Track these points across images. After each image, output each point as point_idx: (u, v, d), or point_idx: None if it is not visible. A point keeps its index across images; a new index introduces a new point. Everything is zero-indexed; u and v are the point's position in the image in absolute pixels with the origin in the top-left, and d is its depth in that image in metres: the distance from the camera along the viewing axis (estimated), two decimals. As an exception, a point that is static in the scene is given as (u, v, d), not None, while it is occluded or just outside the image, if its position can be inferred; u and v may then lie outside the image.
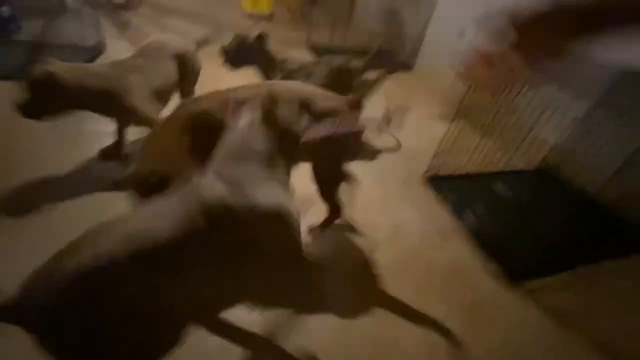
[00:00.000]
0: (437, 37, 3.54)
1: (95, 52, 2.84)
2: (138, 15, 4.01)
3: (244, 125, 0.89)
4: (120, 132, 1.75)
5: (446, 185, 2.05)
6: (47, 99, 1.37)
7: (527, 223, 1.90)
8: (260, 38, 1.87)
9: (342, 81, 1.94)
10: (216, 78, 2.11)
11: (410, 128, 2.64)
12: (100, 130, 1.91)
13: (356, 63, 2.09)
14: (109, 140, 1.80)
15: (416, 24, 3.72)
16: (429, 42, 3.69)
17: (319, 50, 3.82)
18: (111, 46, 3.03)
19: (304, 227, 1.39)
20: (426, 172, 2.11)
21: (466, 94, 1.77)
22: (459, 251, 1.65)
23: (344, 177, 1.39)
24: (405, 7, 3.92)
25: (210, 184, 0.78)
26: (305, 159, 1.27)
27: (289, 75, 1.87)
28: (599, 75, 1.95)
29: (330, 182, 1.36)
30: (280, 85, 1.24)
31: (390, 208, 1.83)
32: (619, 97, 1.96)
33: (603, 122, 2.03)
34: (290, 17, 5.06)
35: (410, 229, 1.73)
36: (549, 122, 2.02)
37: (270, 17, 4.95)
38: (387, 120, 2.15)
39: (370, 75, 2.18)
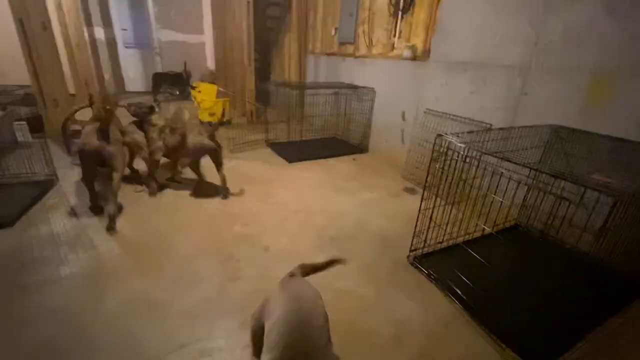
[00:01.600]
0: (382, 121, 3.92)
1: (46, 185, 2.71)
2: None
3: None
4: None
5: (432, 263, 2.00)
6: None
7: (521, 290, 1.85)
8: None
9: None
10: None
11: (379, 211, 2.68)
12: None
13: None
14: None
15: (362, 113, 4.13)
16: (376, 125, 4.06)
17: (275, 147, 4.02)
18: (65, 177, 2.93)
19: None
20: (409, 254, 2.06)
21: (430, 169, 1.85)
22: (468, 342, 1.51)
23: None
24: (349, 102, 4.39)
25: None
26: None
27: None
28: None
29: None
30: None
31: (384, 305, 1.70)
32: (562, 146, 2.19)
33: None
34: (247, 120, 5.42)
35: (413, 326, 1.58)
36: (504, 186, 2.16)
37: (228, 124, 5.26)
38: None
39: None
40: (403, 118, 3.59)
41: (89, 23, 6.84)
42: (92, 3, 6.79)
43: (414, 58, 3.35)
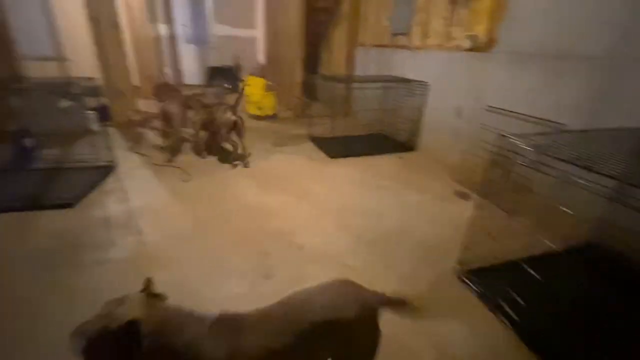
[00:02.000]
0: (434, 118, 3.63)
1: (107, 171, 2.93)
2: (151, 131, 4.33)
3: None
4: None
5: (483, 280, 1.77)
6: None
7: (588, 321, 1.55)
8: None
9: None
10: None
11: (425, 215, 2.46)
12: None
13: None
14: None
15: (412, 108, 3.87)
16: (427, 122, 3.77)
17: (318, 141, 3.94)
18: (123, 163, 3.15)
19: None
20: (457, 268, 1.85)
21: (488, 173, 1.63)
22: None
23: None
24: (399, 96, 4.14)
25: None
26: None
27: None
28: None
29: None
30: None
31: (425, 324, 1.53)
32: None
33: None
34: (292, 114, 5.41)
35: (457, 350, 1.40)
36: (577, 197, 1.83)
37: (274, 117, 5.31)
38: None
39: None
40: (458, 115, 3.28)
41: (154, 20, 7.34)
42: (157, 1, 7.26)
43: (474, 49, 3.03)
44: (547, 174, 1.78)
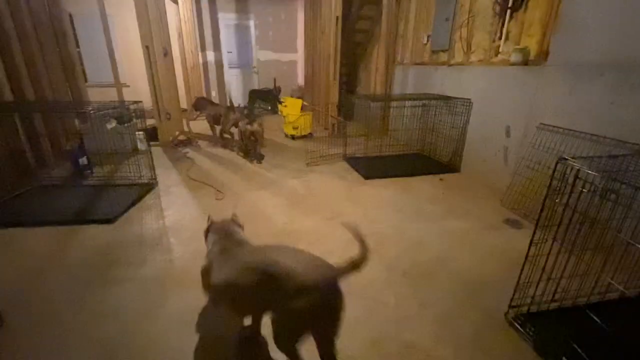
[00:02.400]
0: (478, 137, 3.36)
1: (147, 188, 3.07)
2: (192, 150, 4.53)
3: None
4: None
5: (539, 327, 1.49)
6: None
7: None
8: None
9: None
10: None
11: (470, 246, 2.20)
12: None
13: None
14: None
15: (454, 127, 3.63)
16: (471, 141, 3.50)
17: (353, 161, 3.82)
18: (163, 181, 3.28)
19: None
20: (508, 311, 1.59)
21: (546, 202, 1.39)
22: None
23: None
24: (439, 114, 3.93)
25: None
26: None
27: None
28: None
29: None
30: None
31: (468, 376, 1.30)
32: None
33: None
34: (328, 134, 5.39)
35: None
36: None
37: (310, 137, 5.32)
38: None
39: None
40: (507, 134, 2.99)
41: (203, 48, 7.92)
42: (207, 30, 7.85)
43: (525, 63, 2.78)
44: (619, 203, 1.49)
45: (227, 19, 7.92)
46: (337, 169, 3.77)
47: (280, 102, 5.30)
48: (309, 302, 0.99)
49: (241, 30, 8.09)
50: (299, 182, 3.34)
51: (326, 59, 5.28)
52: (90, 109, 2.65)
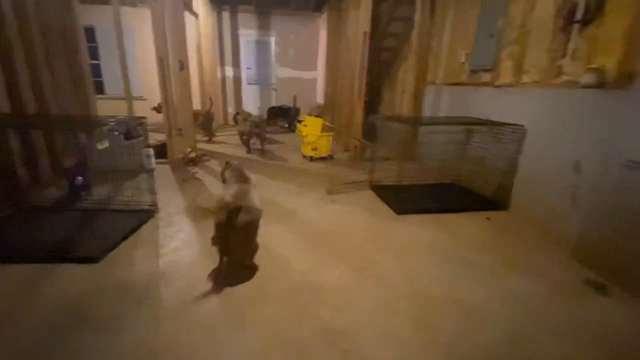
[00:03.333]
0: (535, 171, 2.84)
1: (146, 215, 2.67)
2: (201, 169, 4.16)
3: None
4: None
5: None
6: None
7: None
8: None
9: None
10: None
11: (546, 318, 1.66)
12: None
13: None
14: None
15: (501, 157, 3.13)
16: (525, 175, 2.98)
17: (381, 191, 3.34)
18: (165, 207, 2.88)
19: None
20: None
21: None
22: None
23: None
24: (482, 141, 3.44)
25: None
26: None
27: None
28: None
29: None
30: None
31: None
32: None
33: None
34: (350, 157, 4.95)
35: None
36: None
37: (329, 159, 4.90)
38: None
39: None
40: (576, 171, 2.47)
41: (222, 63, 7.75)
42: (227, 45, 7.70)
43: (600, 85, 2.29)
44: None
45: (247, 35, 7.78)
46: (363, 199, 3.30)
47: (300, 122, 4.94)
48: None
49: (261, 47, 7.93)
50: (320, 215, 2.87)
51: (350, 77, 4.92)
52: (89, 124, 2.30)
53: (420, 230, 2.63)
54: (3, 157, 2.81)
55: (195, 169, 4.18)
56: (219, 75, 7.56)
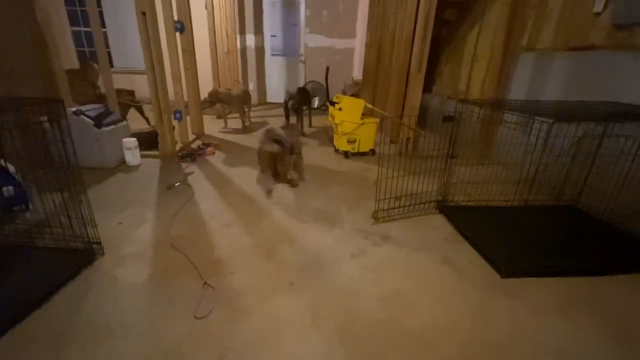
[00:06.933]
0: None
1: (82, 261, 1.65)
2: (200, 167, 3.10)
3: None
4: None
5: None
6: None
7: None
8: None
9: None
10: None
11: None
12: None
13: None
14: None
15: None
16: None
17: (459, 219, 2.09)
18: (120, 240, 1.84)
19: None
20: None
21: None
22: None
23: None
24: (626, 145, 2.04)
25: None
26: None
27: None
28: None
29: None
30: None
31: None
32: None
33: None
34: (399, 152, 3.67)
35: None
36: None
37: (371, 154, 3.66)
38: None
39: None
40: None
41: (242, 30, 6.54)
42: (247, 8, 6.44)
43: None
44: None
45: (272, -5, 6.45)
46: (432, 234, 2.07)
47: (332, 103, 3.68)
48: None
49: (289, 10, 6.58)
50: (365, 273, 1.70)
51: (405, 42, 3.54)
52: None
53: (559, 326, 1.37)
54: None
55: (191, 168, 3.12)
56: (238, 44, 6.37)
